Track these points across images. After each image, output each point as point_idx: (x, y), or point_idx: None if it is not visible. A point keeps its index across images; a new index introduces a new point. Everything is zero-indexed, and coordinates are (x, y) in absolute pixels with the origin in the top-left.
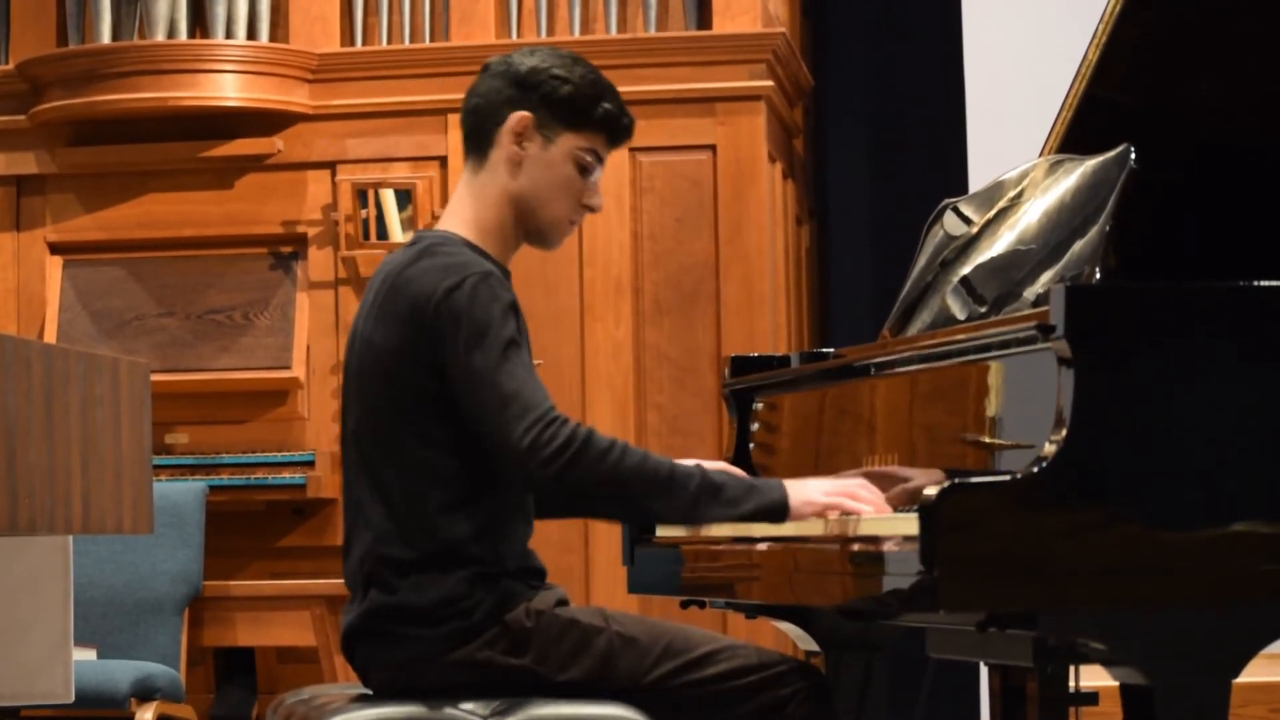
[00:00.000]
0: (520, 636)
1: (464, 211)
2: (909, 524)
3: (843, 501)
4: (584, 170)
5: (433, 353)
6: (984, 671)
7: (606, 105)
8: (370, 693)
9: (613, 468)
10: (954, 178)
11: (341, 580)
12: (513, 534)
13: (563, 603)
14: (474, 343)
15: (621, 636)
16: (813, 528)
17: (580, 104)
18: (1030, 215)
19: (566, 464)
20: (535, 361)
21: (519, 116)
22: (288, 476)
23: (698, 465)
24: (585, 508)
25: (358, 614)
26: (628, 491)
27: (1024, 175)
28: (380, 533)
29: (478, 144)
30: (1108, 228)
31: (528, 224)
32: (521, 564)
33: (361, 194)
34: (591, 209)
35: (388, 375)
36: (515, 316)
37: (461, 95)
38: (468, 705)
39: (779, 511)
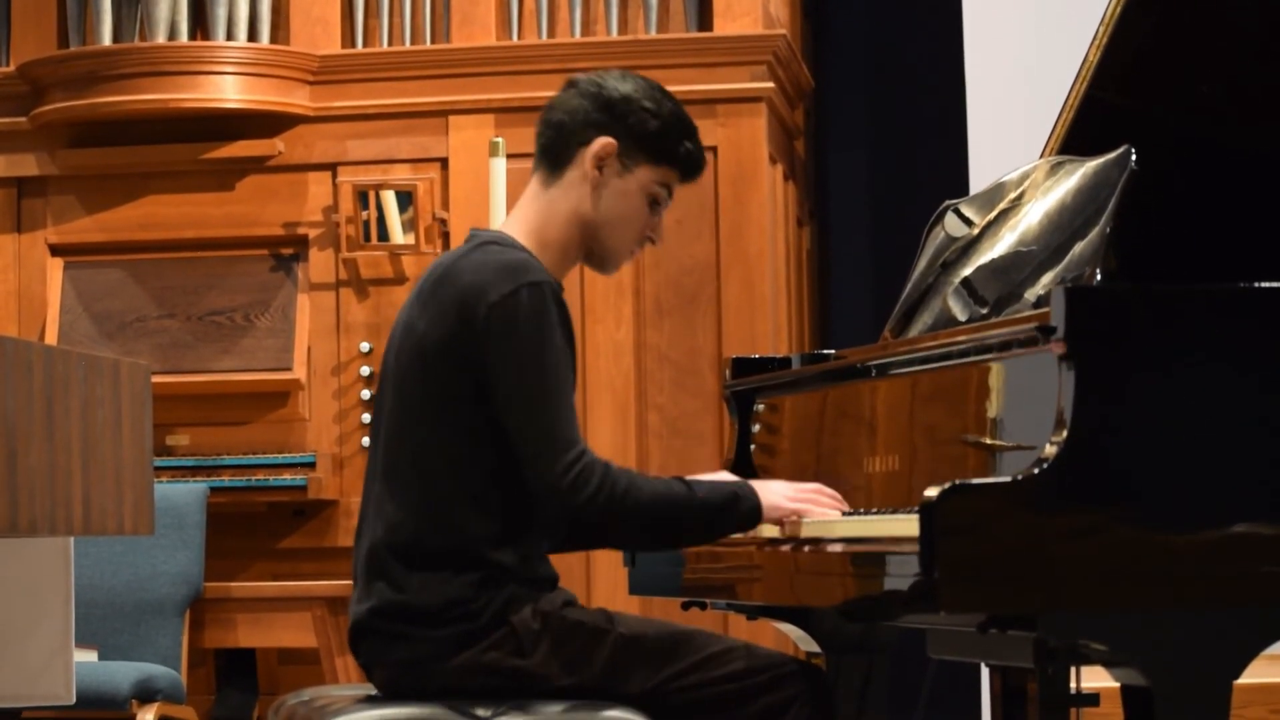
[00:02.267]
0: (526, 639)
1: (528, 222)
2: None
3: (808, 508)
4: (654, 203)
5: (475, 352)
6: (985, 673)
7: (689, 145)
8: (372, 693)
9: (633, 509)
10: (954, 179)
11: (342, 581)
12: (528, 539)
13: (569, 604)
14: (523, 363)
15: (626, 639)
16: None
17: (666, 140)
18: (1031, 217)
19: (604, 504)
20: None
21: (605, 142)
22: (288, 478)
23: (681, 481)
24: (605, 543)
25: (365, 610)
26: (642, 530)
27: (1025, 177)
28: (394, 523)
29: (554, 159)
30: (1108, 229)
31: (591, 247)
32: (534, 569)
33: (362, 195)
34: (653, 242)
35: (425, 364)
36: (566, 330)
37: (462, 97)
38: (471, 708)
39: (754, 518)
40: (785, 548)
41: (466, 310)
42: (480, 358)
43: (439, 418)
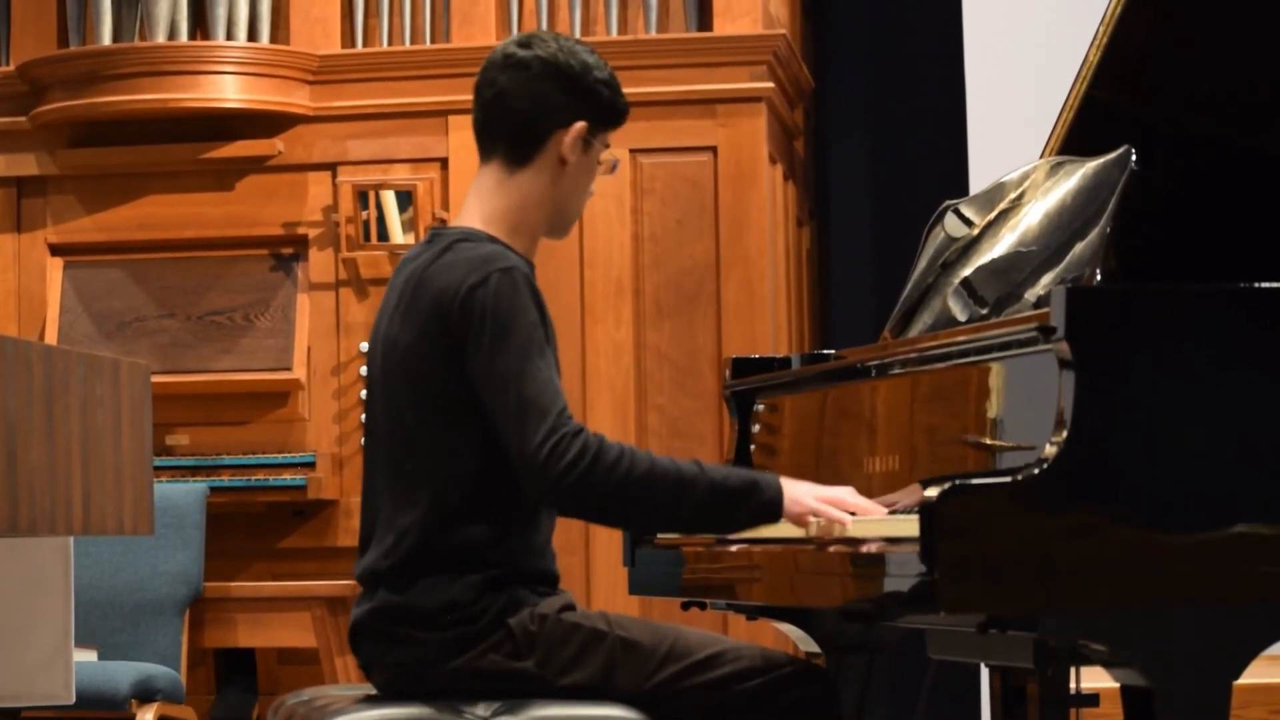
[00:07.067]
0: (524, 640)
1: (496, 211)
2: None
3: (829, 510)
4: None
5: (457, 351)
6: (985, 673)
7: (623, 102)
8: (371, 693)
9: (623, 479)
10: (954, 179)
11: (342, 581)
12: (532, 536)
13: (568, 608)
14: (497, 342)
15: (624, 641)
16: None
17: (615, 107)
18: (1031, 217)
19: (581, 476)
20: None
21: (581, 127)
22: (288, 478)
23: (696, 463)
24: (593, 517)
25: (366, 610)
26: (637, 504)
27: (1025, 177)
28: (401, 532)
29: (521, 145)
30: (1108, 229)
31: (554, 221)
32: (536, 567)
33: (362, 195)
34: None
35: (415, 376)
36: (540, 312)
37: (463, 97)
38: (470, 707)
39: (774, 510)
40: (778, 548)
41: (443, 310)
42: (460, 353)
43: (436, 426)
